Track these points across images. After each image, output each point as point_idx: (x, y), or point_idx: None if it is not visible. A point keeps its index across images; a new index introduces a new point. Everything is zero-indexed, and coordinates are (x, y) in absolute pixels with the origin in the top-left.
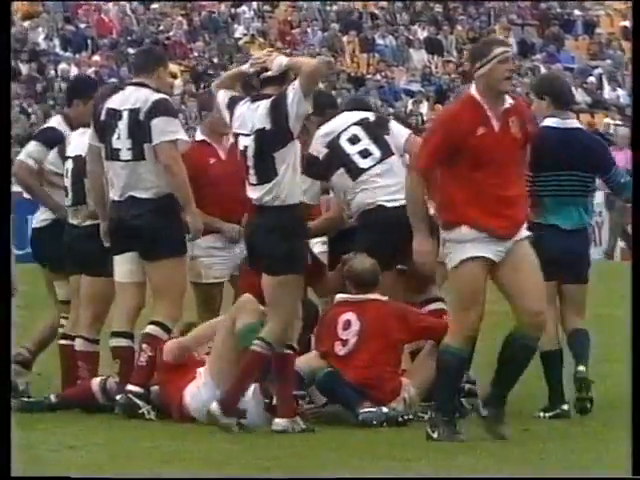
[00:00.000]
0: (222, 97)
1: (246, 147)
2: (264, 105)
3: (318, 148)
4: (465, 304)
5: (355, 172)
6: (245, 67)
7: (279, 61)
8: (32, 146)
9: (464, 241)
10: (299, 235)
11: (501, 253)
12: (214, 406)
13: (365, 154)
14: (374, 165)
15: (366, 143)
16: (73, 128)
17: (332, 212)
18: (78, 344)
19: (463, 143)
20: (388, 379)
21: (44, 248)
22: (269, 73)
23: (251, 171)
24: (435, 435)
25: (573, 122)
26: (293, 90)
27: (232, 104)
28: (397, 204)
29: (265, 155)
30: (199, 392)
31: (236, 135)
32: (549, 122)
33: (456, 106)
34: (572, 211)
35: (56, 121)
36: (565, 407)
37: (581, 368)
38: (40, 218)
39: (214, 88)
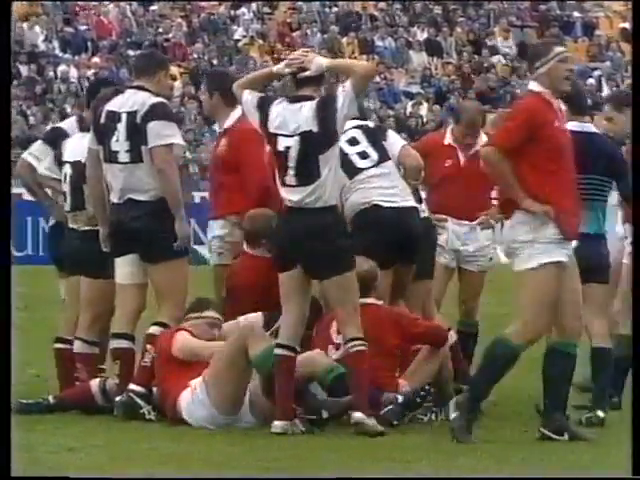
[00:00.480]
0: (249, 97)
1: (287, 148)
2: (309, 107)
3: None
4: (546, 306)
5: (352, 171)
6: (277, 67)
7: (319, 62)
8: (36, 144)
9: (549, 242)
10: (345, 234)
11: (568, 257)
12: (356, 415)
13: (363, 155)
14: (371, 167)
15: (364, 145)
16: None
17: None
18: (77, 346)
19: (541, 129)
20: (384, 384)
21: (53, 246)
22: (307, 73)
23: (290, 172)
24: (453, 415)
25: (590, 126)
26: (344, 92)
27: (263, 104)
28: (393, 205)
29: (310, 157)
30: (193, 405)
31: (274, 135)
32: (569, 126)
33: (530, 98)
34: (591, 216)
35: (69, 122)
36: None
37: (600, 414)
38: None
39: (236, 88)
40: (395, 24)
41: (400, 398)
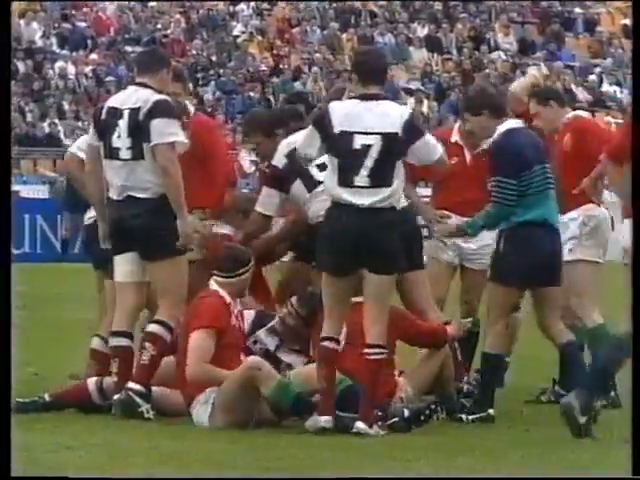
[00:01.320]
0: (296, 139)
1: (367, 146)
2: (399, 112)
3: (279, 158)
4: None
5: (310, 184)
6: None
7: None
8: (82, 139)
9: None
10: (398, 238)
11: None
12: (359, 425)
13: (322, 167)
14: None
15: (324, 157)
16: None
17: (294, 215)
18: (94, 342)
19: None
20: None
21: (91, 246)
22: None
23: (363, 172)
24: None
25: (520, 122)
26: (433, 146)
27: (320, 120)
28: None
29: (390, 159)
30: (200, 422)
31: (349, 134)
32: (510, 125)
33: None
34: (554, 205)
35: None
36: (491, 412)
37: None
38: (88, 215)
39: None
40: (395, 20)
41: (407, 412)
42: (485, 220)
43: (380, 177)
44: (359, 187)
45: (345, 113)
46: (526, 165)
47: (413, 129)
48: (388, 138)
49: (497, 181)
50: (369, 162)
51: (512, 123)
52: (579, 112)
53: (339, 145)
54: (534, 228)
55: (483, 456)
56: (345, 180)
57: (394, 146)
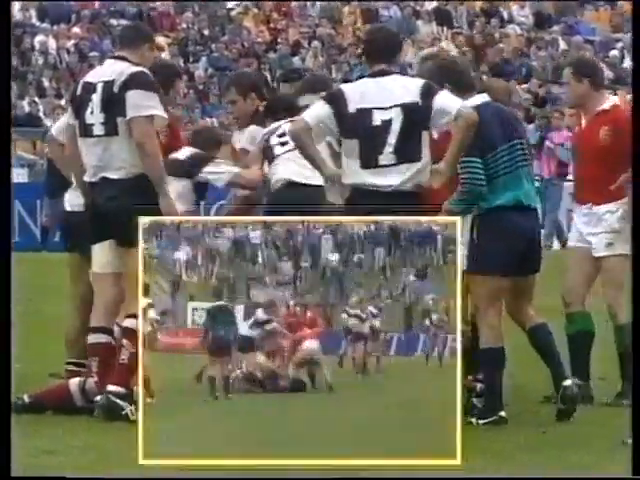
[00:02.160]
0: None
1: (387, 122)
2: (413, 83)
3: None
4: None
5: (270, 158)
6: None
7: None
8: (63, 120)
9: None
10: None
11: None
12: None
13: (284, 142)
14: (289, 151)
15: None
16: None
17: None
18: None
19: None
20: None
21: (78, 233)
22: None
23: (387, 149)
24: None
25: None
26: (454, 110)
27: (334, 98)
28: (307, 182)
29: (414, 131)
30: None
31: (367, 111)
32: (475, 101)
33: None
34: (529, 185)
35: None
36: (502, 414)
37: (567, 383)
38: (68, 200)
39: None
40: None
41: None
42: (461, 196)
43: (407, 152)
44: (384, 166)
45: (360, 91)
46: (489, 146)
47: (430, 90)
48: (408, 108)
49: (462, 162)
50: (392, 138)
51: (478, 99)
52: (616, 99)
53: (357, 124)
54: (507, 212)
55: (483, 455)
56: (368, 161)
57: (415, 116)
